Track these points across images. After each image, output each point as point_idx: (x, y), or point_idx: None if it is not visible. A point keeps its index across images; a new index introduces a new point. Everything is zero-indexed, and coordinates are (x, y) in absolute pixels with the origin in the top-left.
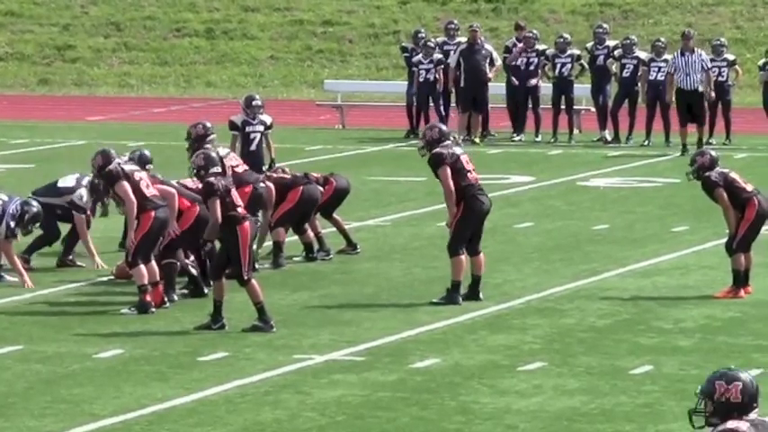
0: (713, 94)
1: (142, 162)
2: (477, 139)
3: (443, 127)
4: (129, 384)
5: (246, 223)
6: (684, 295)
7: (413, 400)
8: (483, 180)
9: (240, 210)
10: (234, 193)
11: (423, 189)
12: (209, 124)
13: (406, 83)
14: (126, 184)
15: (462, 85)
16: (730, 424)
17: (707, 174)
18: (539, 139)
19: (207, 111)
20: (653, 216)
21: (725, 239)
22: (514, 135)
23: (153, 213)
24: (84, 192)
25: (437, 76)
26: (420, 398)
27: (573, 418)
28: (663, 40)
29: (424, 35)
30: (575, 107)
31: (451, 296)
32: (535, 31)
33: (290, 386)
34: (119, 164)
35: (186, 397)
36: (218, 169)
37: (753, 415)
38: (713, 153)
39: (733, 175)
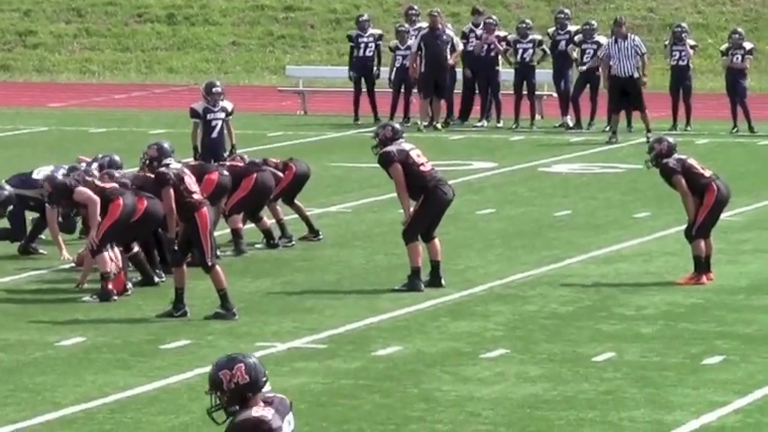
0: (646, 80)
1: (111, 167)
2: (439, 125)
3: (397, 125)
4: (91, 372)
5: (204, 209)
6: (647, 282)
7: (375, 388)
8: (445, 166)
9: (196, 196)
10: (188, 180)
11: (384, 175)
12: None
13: (376, 70)
14: (82, 189)
15: (423, 70)
16: (255, 412)
17: (665, 161)
18: (500, 124)
19: (168, 97)
20: (615, 202)
21: (686, 226)
22: (478, 121)
23: (120, 200)
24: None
25: None
26: (382, 385)
27: (535, 405)
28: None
29: (367, 19)
30: (536, 93)
31: (413, 283)
32: (494, 17)
33: None
34: (64, 177)
35: (148, 385)
36: (170, 160)
37: (266, 388)
38: (671, 140)
39: (691, 161)
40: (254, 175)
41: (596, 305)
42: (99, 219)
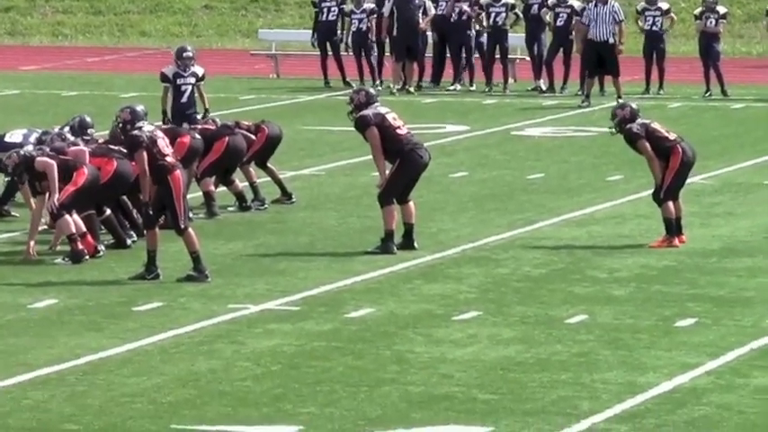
0: (622, 48)
1: (82, 128)
2: (411, 89)
3: (371, 90)
4: (64, 334)
5: (177, 172)
6: (619, 244)
7: (348, 350)
8: (418, 130)
9: (169, 159)
10: (161, 142)
11: (357, 138)
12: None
13: (340, 34)
14: (41, 158)
15: (395, 34)
16: None
17: (628, 126)
18: (473, 88)
19: (141, 60)
20: (587, 165)
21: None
22: (450, 85)
23: (84, 169)
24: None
25: (369, 25)
26: (355, 347)
27: (508, 367)
28: None
29: None
30: (509, 56)
31: (386, 245)
32: None
33: (225, 336)
34: (27, 150)
35: (121, 347)
36: (143, 123)
37: None
38: (634, 105)
39: (654, 125)
40: (226, 138)
41: (569, 268)
42: (57, 183)
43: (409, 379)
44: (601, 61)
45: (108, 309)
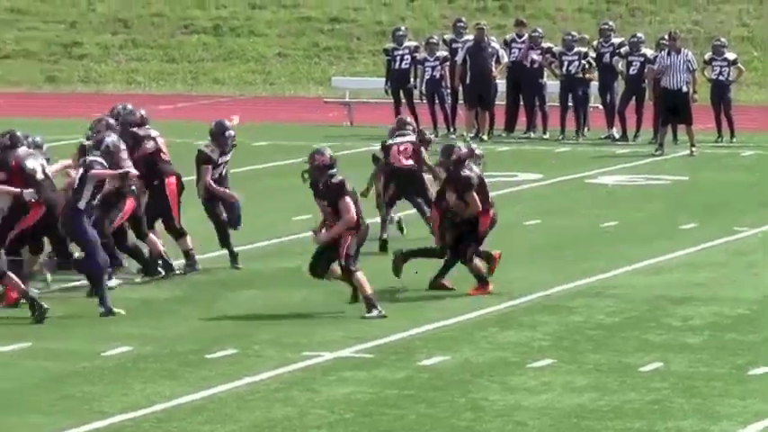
0: (696, 96)
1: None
2: (485, 137)
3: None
4: (139, 382)
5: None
6: (693, 292)
7: (421, 398)
8: (491, 178)
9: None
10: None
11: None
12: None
13: (413, 81)
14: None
15: (468, 82)
16: None
17: (468, 174)
18: (547, 136)
19: (215, 107)
20: (661, 213)
21: (733, 237)
22: (524, 132)
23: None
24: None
25: (442, 73)
26: (428, 395)
27: (582, 415)
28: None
29: (403, 33)
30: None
31: (373, 309)
32: (540, 30)
33: (300, 383)
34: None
35: (195, 394)
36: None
37: None
38: (466, 149)
39: (485, 180)
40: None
41: (642, 316)
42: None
43: (484, 427)
44: (674, 109)
45: (182, 356)
